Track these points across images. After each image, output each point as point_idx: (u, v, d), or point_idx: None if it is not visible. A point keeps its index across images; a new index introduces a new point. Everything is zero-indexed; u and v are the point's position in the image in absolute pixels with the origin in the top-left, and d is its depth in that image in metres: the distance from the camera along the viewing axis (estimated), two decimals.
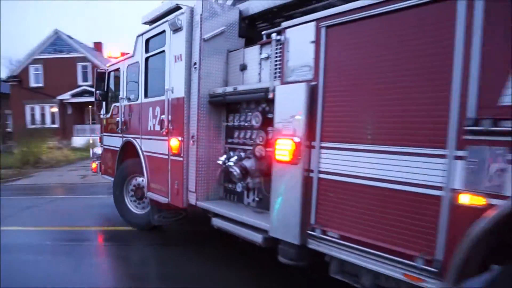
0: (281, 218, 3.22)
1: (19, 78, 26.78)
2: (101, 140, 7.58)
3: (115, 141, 6.59)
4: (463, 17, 2.10)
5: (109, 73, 7.05)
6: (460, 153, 2.13)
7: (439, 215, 2.22)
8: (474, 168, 2.07)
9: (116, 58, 6.82)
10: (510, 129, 1.93)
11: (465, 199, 2.11)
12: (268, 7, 4.34)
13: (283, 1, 4.16)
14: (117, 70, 6.63)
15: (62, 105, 26.59)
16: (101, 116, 7.47)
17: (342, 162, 2.78)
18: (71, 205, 8.81)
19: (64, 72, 25.84)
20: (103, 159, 7.37)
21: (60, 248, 5.59)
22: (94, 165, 7.79)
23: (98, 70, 7.30)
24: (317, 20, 2.89)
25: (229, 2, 4.96)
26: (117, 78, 6.68)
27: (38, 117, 26.95)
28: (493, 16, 2.00)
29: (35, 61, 26.70)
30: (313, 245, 3.02)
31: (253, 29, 4.75)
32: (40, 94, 26.33)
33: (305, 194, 3.01)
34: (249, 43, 4.54)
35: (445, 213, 2.19)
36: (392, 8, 2.43)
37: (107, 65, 7.20)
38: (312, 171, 2.98)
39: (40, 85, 26.73)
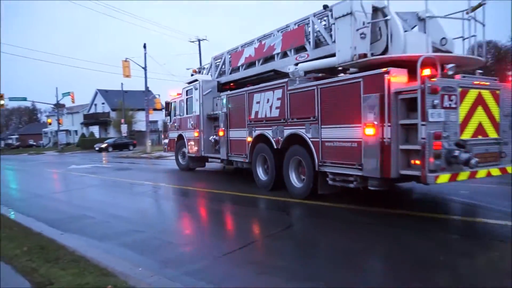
0: (222, 151, 10.69)
1: None
2: (167, 136, 15.60)
3: (174, 135, 14.50)
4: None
5: (171, 102, 14.98)
6: (247, 129, 9.43)
7: (248, 145, 9.52)
8: (250, 132, 9.36)
9: (175, 96, 14.84)
10: (252, 123, 9.21)
11: (248, 139, 9.41)
12: (227, 80, 11.86)
13: (233, 78, 11.58)
14: (175, 101, 14.52)
15: None
16: (168, 123, 15.47)
17: (235, 134, 10.14)
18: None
19: None
20: (168, 144, 15.37)
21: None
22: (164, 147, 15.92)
23: (166, 101, 15.30)
24: (226, 95, 10.33)
25: (215, 76, 12.54)
26: (174, 105, 14.57)
27: None
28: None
29: None
30: (230, 157, 10.42)
31: (224, 87, 12.23)
32: None
33: (227, 145, 10.43)
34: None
35: (248, 144, 9.50)
36: (240, 93, 9.78)
37: (170, 99, 15.13)
38: (228, 137, 10.39)
39: None
